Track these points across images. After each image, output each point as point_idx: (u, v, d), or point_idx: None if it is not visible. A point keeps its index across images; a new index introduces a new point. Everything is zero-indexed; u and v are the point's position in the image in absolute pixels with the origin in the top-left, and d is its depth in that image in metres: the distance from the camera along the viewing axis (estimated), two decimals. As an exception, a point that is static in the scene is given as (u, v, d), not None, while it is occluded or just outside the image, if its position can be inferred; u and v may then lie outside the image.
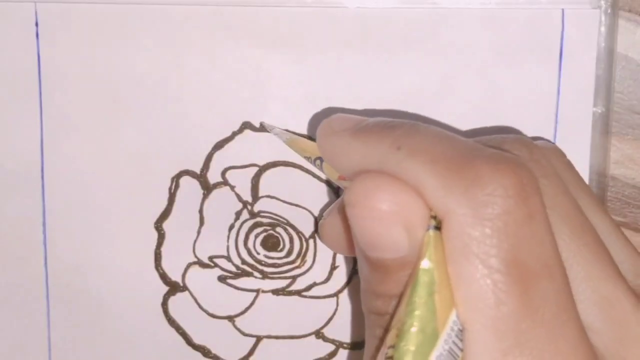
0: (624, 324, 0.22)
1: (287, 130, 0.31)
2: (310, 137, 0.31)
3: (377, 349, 0.22)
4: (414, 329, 0.20)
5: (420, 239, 0.21)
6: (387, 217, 0.21)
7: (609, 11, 0.30)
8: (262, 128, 0.31)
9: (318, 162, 0.28)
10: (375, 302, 0.23)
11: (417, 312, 0.20)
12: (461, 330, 0.21)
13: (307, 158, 0.29)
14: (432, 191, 0.21)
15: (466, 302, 0.20)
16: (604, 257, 0.23)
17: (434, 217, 0.21)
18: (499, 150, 0.22)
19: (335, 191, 0.32)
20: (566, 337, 0.20)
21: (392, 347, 0.20)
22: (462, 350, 0.21)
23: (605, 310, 0.22)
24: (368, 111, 0.31)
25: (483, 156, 0.21)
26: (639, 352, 0.22)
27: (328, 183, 0.32)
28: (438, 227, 0.21)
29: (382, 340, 0.22)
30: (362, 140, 0.23)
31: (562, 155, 0.26)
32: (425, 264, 0.21)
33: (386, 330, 0.22)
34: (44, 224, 0.32)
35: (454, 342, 0.20)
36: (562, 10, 0.30)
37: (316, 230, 0.32)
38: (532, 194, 0.21)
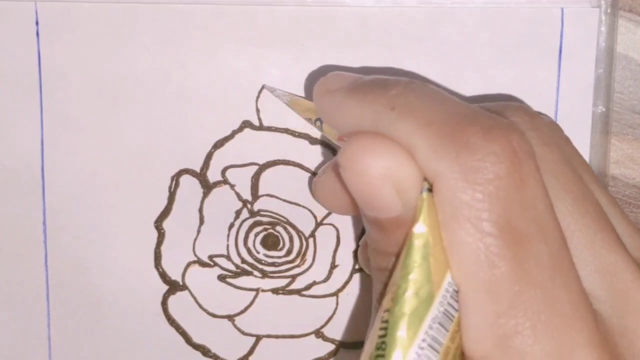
0: (625, 292, 0.22)
1: (288, 93, 0.31)
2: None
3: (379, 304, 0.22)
4: (408, 293, 0.20)
5: (412, 200, 0.21)
6: (377, 179, 0.21)
7: (608, 11, 0.30)
8: (264, 87, 0.31)
9: (318, 123, 0.28)
10: (376, 259, 0.23)
11: (410, 276, 0.20)
12: (456, 291, 0.21)
13: (308, 119, 0.29)
14: (423, 154, 0.21)
15: (459, 266, 0.20)
16: (606, 226, 0.23)
17: (427, 180, 0.21)
18: (497, 115, 0.22)
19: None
20: (563, 299, 0.20)
21: (388, 310, 0.20)
22: (457, 311, 0.21)
23: (607, 278, 0.22)
24: (366, 69, 0.31)
25: (476, 121, 0.21)
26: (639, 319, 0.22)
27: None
28: (431, 190, 0.21)
29: (379, 300, 0.22)
30: (356, 99, 0.23)
31: (561, 130, 0.26)
32: (418, 228, 0.21)
33: (383, 292, 0.22)
34: (44, 223, 0.32)
35: (449, 304, 0.21)
36: (562, 9, 0.30)
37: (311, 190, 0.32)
38: (524, 159, 0.21)
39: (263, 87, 0.31)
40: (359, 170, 0.21)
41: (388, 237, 0.22)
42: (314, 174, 0.32)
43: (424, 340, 0.20)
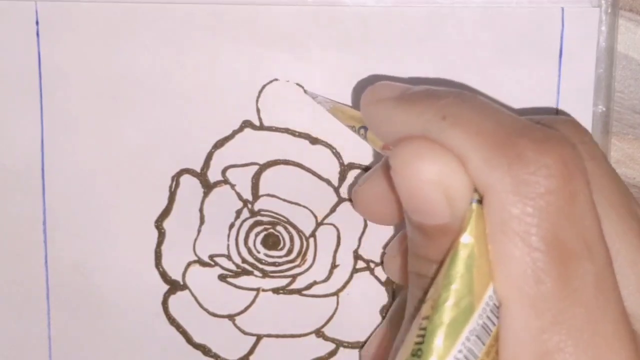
0: None
1: (331, 100, 0.31)
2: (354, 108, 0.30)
3: (416, 310, 0.22)
4: (449, 303, 0.20)
5: (461, 209, 0.21)
6: (428, 184, 0.21)
7: (609, 10, 0.30)
8: (306, 93, 0.31)
9: (362, 131, 0.28)
10: (416, 264, 0.23)
11: (453, 286, 0.20)
12: (497, 306, 0.21)
13: (352, 127, 0.29)
14: (474, 165, 0.21)
15: (505, 279, 0.20)
16: None
17: (477, 191, 0.21)
18: (548, 128, 0.22)
19: (335, 189, 0.32)
20: (606, 320, 0.20)
21: (427, 318, 0.20)
22: (495, 325, 0.21)
23: None
24: (413, 79, 0.31)
25: (528, 133, 0.21)
26: None
27: (328, 182, 0.32)
28: (480, 201, 0.21)
29: (420, 302, 0.22)
30: (406, 108, 0.23)
31: (598, 145, 0.26)
32: (465, 238, 0.21)
33: (422, 299, 0.22)
34: (44, 223, 0.32)
35: (488, 317, 0.21)
36: (562, 8, 0.30)
37: (350, 200, 0.32)
38: (575, 173, 0.20)
39: (305, 91, 0.31)
40: (411, 174, 0.21)
41: (432, 244, 0.22)
42: (314, 174, 0.32)
43: (460, 351, 0.20)
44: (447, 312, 0.20)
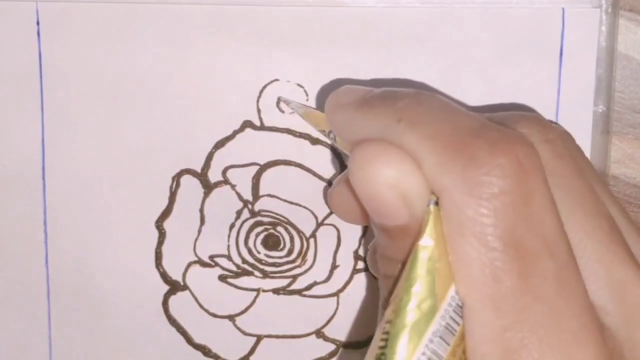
0: (635, 307, 0.22)
1: (303, 105, 0.31)
2: None
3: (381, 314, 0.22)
4: (410, 305, 0.20)
5: (418, 210, 0.21)
6: (384, 187, 0.21)
7: (609, 10, 0.30)
8: (278, 103, 0.31)
9: (332, 135, 0.28)
10: (383, 265, 0.23)
11: (413, 289, 0.20)
12: (460, 306, 0.21)
13: (322, 131, 0.29)
14: (429, 167, 0.21)
15: (464, 280, 0.20)
16: (618, 241, 0.23)
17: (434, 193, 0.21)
18: (505, 127, 0.22)
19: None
20: (570, 314, 0.20)
21: (389, 322, 0.20)
22: (459, 325, 0.21)
23: (618, 293, 0.22)
24: (377, 81, 0.31)
25: (483, 134, 0.21)
26: None
27: (329, 182, 0.32)
28: (437, 203, 0.21)
29: (385, 306, 0.22)
30: (365, 112, 0.23)
31: (573, 140, 0.26)
32: (424, 241, 0.21)
33: (387, 299, 0.22)
34: (45, 223, 0.32)
35: (451, 317, 0.21)
36: (563, 9, 0.30)
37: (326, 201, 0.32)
38: (531, 172, 0.20)
39: (279, 99, 0.31)
40: (366, 178, 0.21)
41: (395, 244, 0.22)
42: (315, 174, 0.32)
43: (423, 353, 0.20)
44: (409, 315, 0.20)
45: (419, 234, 0.21)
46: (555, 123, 0.30)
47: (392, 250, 0.22)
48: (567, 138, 0.25)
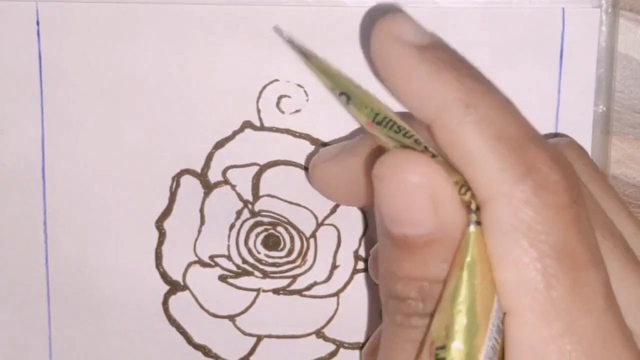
0: None
1: (310, 50, 0.25)
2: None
3: (398, 337, 0.22)
4: (466, 330, 0.20)
5: (446, 218, 0.21)
6: (416, 189, 0.20)
7: (609, 10, 0.30)
8: (282, 36, 0.27)
9: (343, 98, 0.23)
10: (395, 285, 0.22)
11: (463, 311, 0.20)
12: (500, 327, 0.20)
13: (332, 90, 0.24)
14: (488, 170, 0.20)
15: (514, 286, 0.20)
16: (634, 260, 0.23)
17: (475, 212, 0.21)
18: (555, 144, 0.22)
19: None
20: (617, 332, 0.20)
21: (442, 348, 0.20)
22: (499, 343, 0.20)
23: (638, 313, 0.22)
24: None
25: (544, 146, 0.21)
26: None
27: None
28: (479, 222, 0.21)
29: (403, 327, 0.22)
30: (429, 70, 0.21)
31: (583, 152, 0.26)
32: (469, 259, 0.20)
33: (428, 324, 0.21)
34: (44, 223, 0.32)
35: (494, 338, 0.20)
36: (563, 9, 0.30)
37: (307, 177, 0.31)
38: (581, 190, 0.21)
39: (285, 36, 0.27)
40: (398, 179, 0.20)
41: (413, 258, 0.21)
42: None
43: None
44: (466, 340, 0.20)
45: (458, 258, 0.21)
46: (566, 136, 0.30)
47: (408, 265, 0.21)
48: (581, 153, 0.26)
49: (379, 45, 0.22)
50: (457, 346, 0.20)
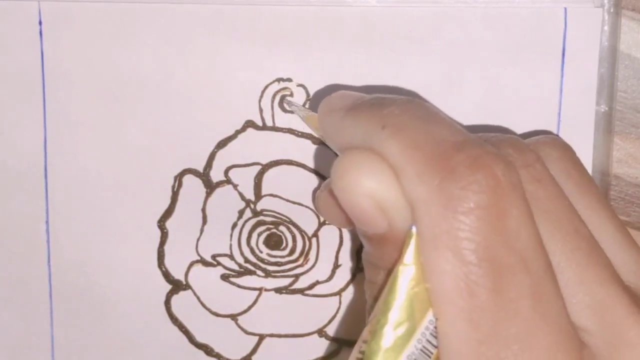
0: (617, 328, 0.22)
1: (305, 108, 0.31)
2: None
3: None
4: (386, 328, 0.20)
5: (397, 220, 0.21)
6: (362, 197, 0.21)
7: (611, 10, 0.30)
8: (281, 105, 0.31)
9: None
10: (368, 271, 0.23)
11: (390, 313, 0.20)
12: (436, 328, 0.21)
13: (322, 136, 0.29)
14: (407, 178, 0.21)
15: (439, 294, 0.20)
16: (599, 261, 0.23)
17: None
18: (487, 144, 0.21)
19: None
20: (546, 331, 0.20)
21: (366, 342, 0.21)
22: (436, 347, 0.21)
23: (598, 314, 0.22)
24: (370, 88, 0.31)
25: (464, 149, 0.21)
26: (631, 355, 0.22)
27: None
28: None
29: (369, 312, 0.22)
30: (352, 118, 0.23)
31: (564, 149, 0.26)
32: (403, 264, 0.21)
33: (372, 304, 0.22)
34: (47, 222, 0.32)
35: (428, 341, 0.21)
36: (565, 8, 0.30)
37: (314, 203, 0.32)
38: (508, 189, 0.20)
39: (282, 98, 0.31)
40: (345, 187, 0.21)
41: (377, 251, 0.22)
42: (316, 173, 0.32)
43: None
44: (385, 338, 0.20)
45: (399, 252, 0.21)
46: (553, 135, 0.30)
47: (374, 257, 0.23)
48: (552, 152, 0.25)
49: (320, 117, 0.25)
50: (375, 344, 0.20)
